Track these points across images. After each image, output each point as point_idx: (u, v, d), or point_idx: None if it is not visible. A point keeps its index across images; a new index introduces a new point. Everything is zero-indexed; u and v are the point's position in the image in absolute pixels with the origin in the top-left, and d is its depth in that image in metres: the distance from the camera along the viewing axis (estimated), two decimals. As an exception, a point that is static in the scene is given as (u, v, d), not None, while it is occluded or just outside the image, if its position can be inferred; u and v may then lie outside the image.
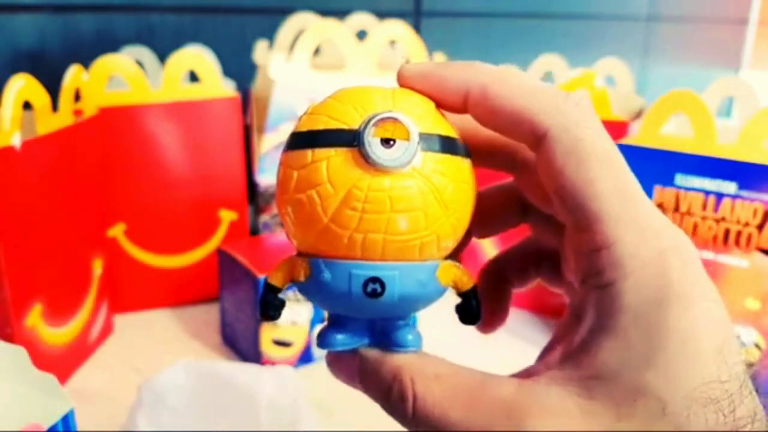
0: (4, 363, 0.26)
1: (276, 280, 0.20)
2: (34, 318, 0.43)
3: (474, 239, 0.25)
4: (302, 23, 0.66)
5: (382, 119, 0.18)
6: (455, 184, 0.19)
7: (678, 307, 0.17)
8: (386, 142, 0.18)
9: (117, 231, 0.55)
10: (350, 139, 0.18)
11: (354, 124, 0.18)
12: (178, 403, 0.38)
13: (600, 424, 0.17)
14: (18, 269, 0.41)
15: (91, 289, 0.50)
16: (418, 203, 0.18)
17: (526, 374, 0.19)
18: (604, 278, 0.18)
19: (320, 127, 0.19)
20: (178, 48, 0.57)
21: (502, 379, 0.19)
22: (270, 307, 0.20)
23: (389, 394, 0.19)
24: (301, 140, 0.19)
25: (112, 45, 0.63)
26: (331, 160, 0.18)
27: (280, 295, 0.20)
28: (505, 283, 0.25)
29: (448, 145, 0.19)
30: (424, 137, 0.18)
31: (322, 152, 0.18)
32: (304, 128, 0.19)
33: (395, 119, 0.18)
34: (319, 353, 0.49)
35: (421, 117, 0.19)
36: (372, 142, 0.18)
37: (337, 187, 0.18)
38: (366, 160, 0.18)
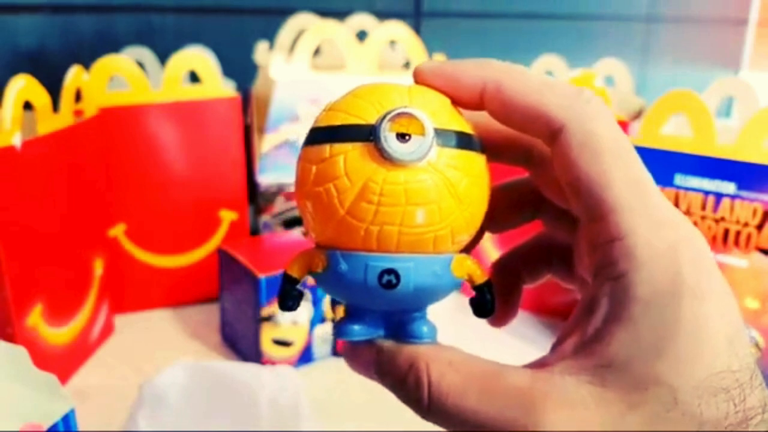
0: (4, 363, 0.26)
1: (294, 272, 0.20)
2: (35, 318, 0.43)
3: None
4: (302, 24, 0.66)
5: (398, 114, 0.18)
6: (469, 178, 0.19)
7: (690, 298, 0.17)
8: (402, 136, 0.18)
9: (118, 231, 0.55)
10: (367, 134, 0.18)
11: (371, 120, 0.19)
12: (178, 402, 0.38)
13: (612, 412, 0.17)
14: (19, 269, 0.41)
15: (91, 289, 0.50)
16: (433, 197, 0.18)
17: (539, 365, 0.20)
18: (617, 269, 0.18)
19: (338, 122, 0.19)
20: (178, 48, 0.57)
21: (516, 369, 0.19)
22: (288, 297, 0.21)
23: (405, 382, 0.20)
24: (320, 135, 0.19)
25: (113, 45, 0.63)
26: (349, 155, 0.18)
27: (298, 287, 0.21)
28: (516, 278, 0.25)
29: (462, 141, 0.19)
30: (439, 132, 0.19)
31: (339, 147, 0.19)
32: (322, 124, 0.20)
33: (411, 114, 0.18)
34: (320, 353, 0.49)
35: (437, 113, 0.19)
36: (388, 137, 0.18)
37: (353, 181, 0.18)
38: (382, 155, 0.18)
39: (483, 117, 0.21)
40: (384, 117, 0.18)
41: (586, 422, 0.17)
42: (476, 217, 0.20)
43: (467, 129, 0.20)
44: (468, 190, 0.19)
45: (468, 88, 0.20)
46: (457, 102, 0.21)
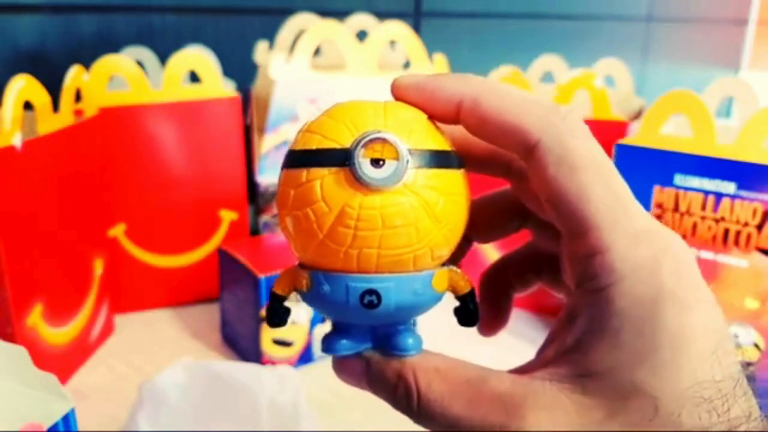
0: (5, 363, 0.26)
1: (280, 289, 0.21)
2: (35, 318, 0.43)
3: (476, 244, 0.25)
4: (302, 24, 0.66)
5: (371, 140, 0.18)
6: (446, 197, 0.19)
7: (671, 309, 0.17)
8: (376, 162, 0.18)
9: (118, 231, 0.55)
10: (342, 159, 0.19)
11: (346, 143, 0.19)
12: (179, 402, 0.38)
13: (593, 419, 0.17)
14: (19, 269, 0.41)
15: (91, 289, 0.50)
16: (410, 219, 0.19)
17: (522, 370, 0.20)
18: (597, 283, 0.18)
19: (314, 146, 0.19)
20: (178, 48, 0.57)
21: (499, 374, 0.19)
22: (276, 314, 0.21)
23: (395, 392, 0.20)
24: (297, 159, 0.20)
25: (113, 45, 0.63)
26: (325, 180, 0.19)
27: (285, 303, 0.21)
28: (506, 286, 0.26)
29: (438, 160, 0.19)
30: (414, 154, 0.19)
31: (315, 172, 0.19)
32: (299, 147, 0.20)
33: (384, 140, 0.18)
34: (320, 353, 0.49)
35: (413, 132, 0.19)
36: (362, 163, 0.18)
37: (330, 206, 0.18)
38: (357, 180, 0.18)
39: (462, 130, 0.21)
40: (358, 143, 0.18)
41: (565, 427, 0.17)
42: (455, 233, 0.20)
43: (444, 146, 0.20)
44: (445, 208, 0.19)
45: (445, 104, 0.20)
46: (435, 117, 0.21)
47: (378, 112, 0.20)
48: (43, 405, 0.26)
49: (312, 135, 0.19)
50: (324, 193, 0.19)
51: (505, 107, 0.20)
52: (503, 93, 0.20)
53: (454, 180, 0.20)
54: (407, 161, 0.18)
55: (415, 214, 0.19)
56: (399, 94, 0.21)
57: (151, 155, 0.54)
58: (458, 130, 0.21)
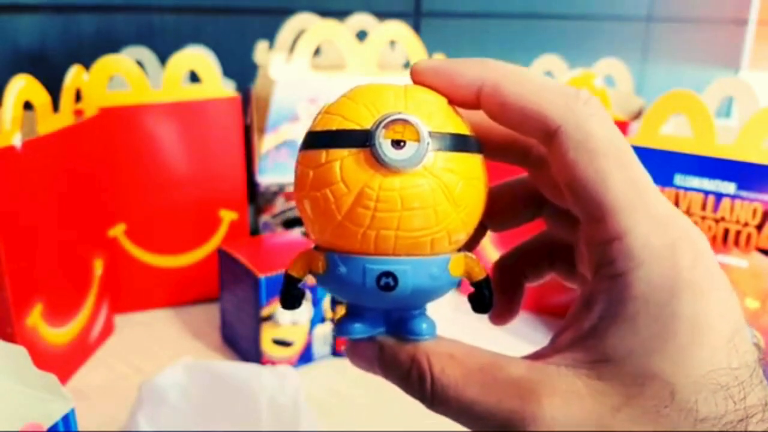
0: (5, 363, 0.26)
1: (295, 271, 0.21)
2: (35, 318, 0.43)
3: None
4: (302, 24, 0.66)
5: (393, 121, 0.18)
6: (465, 180, 0.19)
7: (688, 296, 0.17)
8: (397, 143, 0.18)
9: (117, 231, 0.55)
10: (362, 140, 0.18)
11: (366, 124, 0.19)
12: (179, 402, 0.38)
13: (608, 404, 0.17)
14: (19, 269, 0.41)
15: (91, 289, 0.50)
16: (429, 201, 0.19)
17: (537, 356, 0.20)
18: (615, 268, 0.18)
19: (334, 127, 0.19)
20: (178, 48, 0.57)
21: (513, 360, 0.19)
22: (290, 296, 0.21)
23: (408, 377, 0.20)
24: (316, 140, 0.19)
25: (113, 45, 0.63)
26: (344, 161, 0.19)
27: (300, 286, 0.21)
28: (519, 276, 0.26)
29: (458, 143, 0.19)
30: (434, 136, 0.19)
31: (335, 152, 0.19)
32: (319, 128, 0.20)
33: (405, 121, 0.18)
34: (320, 353, 0.49)
35: (433, 115, 0.19)
36: (383, 144, 0.18)
37: (350, 187, 0.18)
38: (377, 161, 0.18)
39: (481, 116, 0.21)
40: (379, 124, 0.18)
41: (580, 412, 0.17)
42: (473, 218, 0.20)
43: (464, 130, 0.20)
44: (464, 192, 0.19)
45: (465, 88, 0.20)
46: (454, 101, 0.20)
47: (398, 94, 0.19)
48: (43, 405, 0.26)
49: (332, 116, 0.19)
50: (343, 173, 0.18)
51: (526, 93, 0.19)
52: (524, 78, 0.20)
53: (473, 164, 0.20)
54: (428, 143, 0.18)
55: (434, 197, 0.19)
56: (418, 78, 0.21)
57: (151, 155, 0.54)
58: (478, 115, 0.21)
